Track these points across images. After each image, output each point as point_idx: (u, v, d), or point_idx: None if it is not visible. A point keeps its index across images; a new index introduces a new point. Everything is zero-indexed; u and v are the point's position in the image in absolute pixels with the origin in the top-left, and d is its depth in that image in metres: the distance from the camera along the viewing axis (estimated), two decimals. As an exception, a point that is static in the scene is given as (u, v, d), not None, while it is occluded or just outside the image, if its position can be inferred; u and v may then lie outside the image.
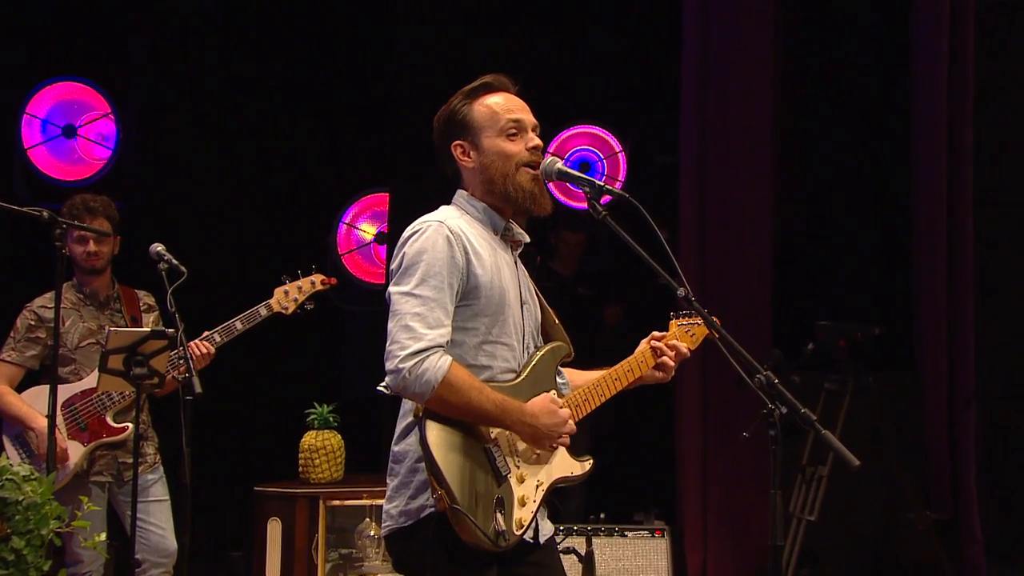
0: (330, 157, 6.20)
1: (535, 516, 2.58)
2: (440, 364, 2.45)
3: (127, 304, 4.26)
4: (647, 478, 5.68)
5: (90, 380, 4.03)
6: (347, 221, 6.21)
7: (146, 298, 4.34)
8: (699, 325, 2.92)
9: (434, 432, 2.46)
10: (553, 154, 3.57)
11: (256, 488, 4.81)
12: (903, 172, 5.52)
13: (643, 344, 2.87)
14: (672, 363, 2.84)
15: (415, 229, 2.59)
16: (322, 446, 4.79)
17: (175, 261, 3.76)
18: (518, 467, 2.57)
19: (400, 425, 2.62)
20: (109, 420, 4.08)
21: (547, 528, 2.69)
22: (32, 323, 4.12)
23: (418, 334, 2.46)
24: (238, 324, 4.16)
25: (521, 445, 2.58)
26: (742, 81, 5.32)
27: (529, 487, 2.57)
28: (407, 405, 2.59)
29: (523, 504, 2.55)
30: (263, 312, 4.23)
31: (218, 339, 4.11)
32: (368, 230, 6.23)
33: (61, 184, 5.54)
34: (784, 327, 5.40)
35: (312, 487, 4.75)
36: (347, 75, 6.23)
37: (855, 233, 6.11)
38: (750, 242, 5.34)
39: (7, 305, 4.27)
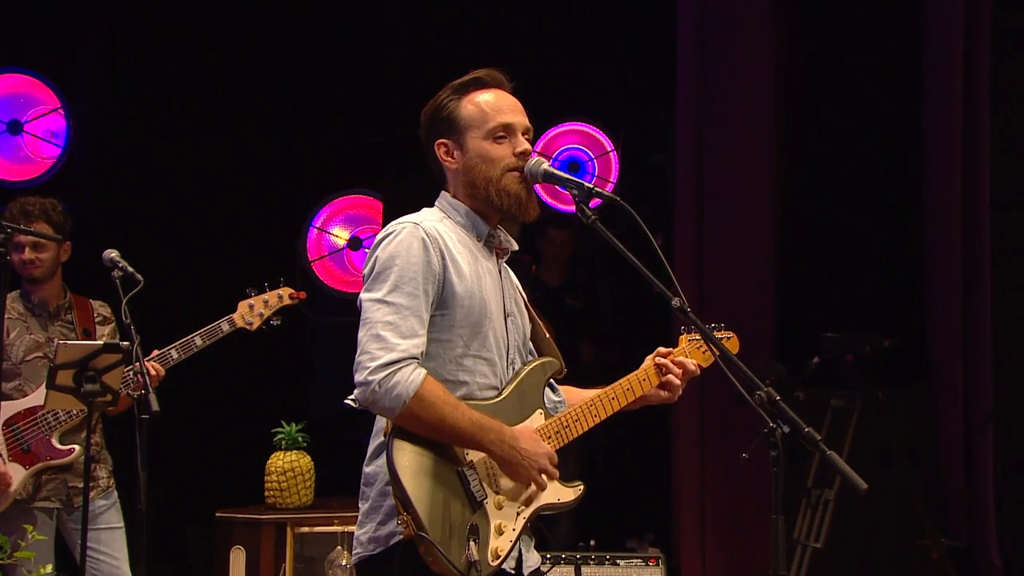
0: (299, 155, 6.17)
1: (515, 545, 2.55)
2: (413, 378, 2.42)
3: (79, 315, 4.23)
4: (641, 501, 5.68)
5: (36, 397, 3.99)
6: (318, 225, 6.19)
7: (101, 309, 4.30)
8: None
9: (402, 452, 2.43)
10: (540, 154, 3.56)
11: (218, 514, 4.79)
12: (914, 172, 5.54)
13: (647, 360, 2.83)
14: (678, 382, 2.80)
15: (389, 231, 2.57)
16: (290, 468, 4.78)
17: (130, 269, 3.70)
18: (496, 493, 2.54)
19: (372, 444, 2.59)
20: (54, 442, 4.03)
21: (533, 559, 2.67)
22: (-28, 335, 4.09)
23: (390, 344, 2.44)
24: (197, 340, 4.12)
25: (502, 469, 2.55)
26: (743, 75, 5.33)
27: (508, 515, 2.54)
28: (380, 423, 2.56)
29: (500, 533, 2.52)
30: (225, 328, 4.19)
31: (175, 356, 4.06)
32: (340, 235, 6.21)
33: (6, 184, 5.52)
34: (788, 340, 5.41)
35: (279, 513, 4.73)
36: (319, 66, 6.19)
37: (863, 238, 6.11)
38: (751, 249, 5.34)
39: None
